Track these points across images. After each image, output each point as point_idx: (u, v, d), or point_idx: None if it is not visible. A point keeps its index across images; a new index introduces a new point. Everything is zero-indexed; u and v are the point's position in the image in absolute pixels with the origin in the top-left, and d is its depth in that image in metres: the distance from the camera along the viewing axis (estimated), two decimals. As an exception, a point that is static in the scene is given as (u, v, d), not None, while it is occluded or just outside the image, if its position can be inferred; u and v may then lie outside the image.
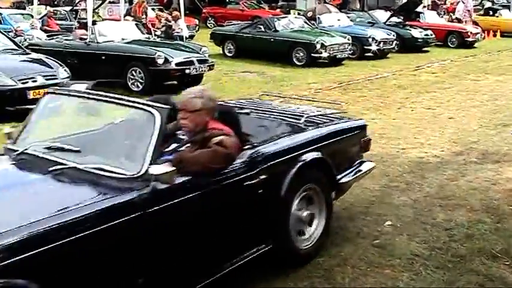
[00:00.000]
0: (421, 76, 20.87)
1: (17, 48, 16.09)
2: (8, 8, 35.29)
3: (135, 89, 16.66)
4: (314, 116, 7.37)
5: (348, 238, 7.27)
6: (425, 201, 8.56)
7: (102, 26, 18.75)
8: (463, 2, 35.72)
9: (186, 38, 25.16)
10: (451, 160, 10.80)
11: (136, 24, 20.16)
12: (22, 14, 29.46)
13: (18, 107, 12.98)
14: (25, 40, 20.64)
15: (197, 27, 31.72)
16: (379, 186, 9.20)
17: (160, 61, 16.37)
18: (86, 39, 18.02)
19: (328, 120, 7.42)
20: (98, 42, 17.52)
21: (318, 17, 26.91)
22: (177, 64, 16.68)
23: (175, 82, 17.49)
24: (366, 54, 24.85)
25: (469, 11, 34.85)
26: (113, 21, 22.49)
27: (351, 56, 23.88)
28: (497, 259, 6.76)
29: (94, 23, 19.73)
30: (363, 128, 7.75)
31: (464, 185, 9.38)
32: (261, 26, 23.80)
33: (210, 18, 36.58)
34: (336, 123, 7.42)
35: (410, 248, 7.01)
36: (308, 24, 24.94)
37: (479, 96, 17.13)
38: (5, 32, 22.06)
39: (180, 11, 25.48)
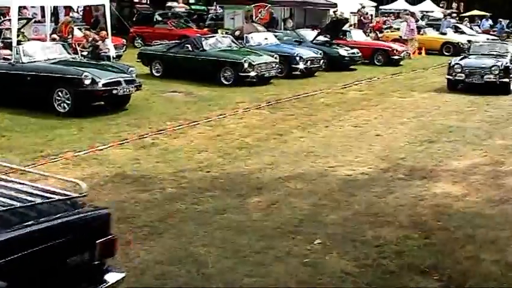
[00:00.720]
0: (348, 94, 21.07)
1: None
2: None
3: (62, 110, 16.30)
4: (18, 207, 4.79)
5: (278, 257, 7.26)
6: (354, 219, 8.62)
7: (28, 46, 18.34)
8: (406, 21, 36.29)
9: (114, 58, 24.87)
10: (379, 177, 10.92)
11: (62, 45, 19.82)
12: None
13: None
14: None
15: (125, 47, 31.40)
16: (308, 205, 9.22)
17: (87, 82, 16.07)
18: (10, 59, 17.65)
19: (42, 214, 4.83)
20: (22, 63, 17.13)
21: (246, 36, 26.97)
22: (104, 85, 16.40)
23: (102, 103, 17.29)
24: (294, 73, 24.91)
25: (412, 29, 35.23)
26: (38, 41, 22.04)
27: (278, 74, 23.93)
28: (426, 274, 6.85)
29: (19, 42, 19.38)
30: (102, 223, 5.27)
31: (392, 201, 9.50)
32: (189, 46, 23.61)
33: (137, 38, 36.17)
34: (50, 220, 4.81)
35: (340, 265, 7.04)
36: (235, 44, 24.92)
37: (406, 113, 17.37)
38: None
39: (107, 31, 25.26)
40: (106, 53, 24.04)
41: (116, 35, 31.58)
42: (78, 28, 30.68)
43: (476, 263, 7.19)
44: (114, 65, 19.03)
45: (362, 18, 46.18)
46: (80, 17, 42.23)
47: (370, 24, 46.39)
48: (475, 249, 7.57)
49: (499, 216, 8.90)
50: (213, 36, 25.92)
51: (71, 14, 39.66)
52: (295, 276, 6.77)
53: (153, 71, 24.36)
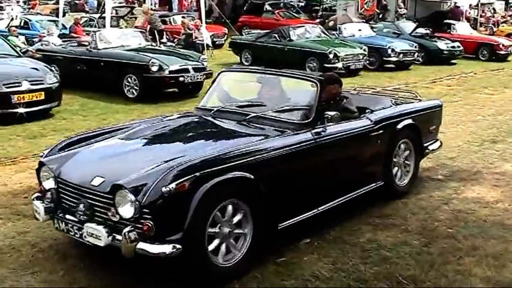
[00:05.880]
0: (434, 88, 20.20)
1: (12, 52, 16.09)
2: (48, 14, 35.79)
3: (131, 95, 16.60)
4: None
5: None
6: (355, 221, 8.10)
7: (104, 33, 18.66)
8: None
9: (209, 46, 25.03)
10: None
11: (141, 32, 20.01)
12: (54, 21, 29.68)
13: (4, 111, 13.64)
14: (41, 45, 20.79)
15: (225, 35, 31.57)
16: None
17: (154, 68, 16.22)
18: (87, 45, 18.02)
19: None
20: (98, 49, 17.46)
21: (339, 27, 26.56)
22: (171, 72, 16.51)
23: (176, 90, 17.41)
24: (387, 66, 24.35)
25: None
26: (115, 29, 22.53)
27: (369, 66, 23.49)
28: (400, 285, 6.35)
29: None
30: None
31: (413, 203, 8.93)
32: (276, 35, 23.52)
33: (245, 27, 36.34)
34: None
35: (313, 268, 6.65)
36: (325, 34, 24.50)
37: (484, 111, 16.46)
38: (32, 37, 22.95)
39: (201, 19, 25.50)
40: (201, 41, 24.24)
41: (232, 24, 32.04)
42: (182, 17, 31.20)
43: (464, 279, 6.50)
44: (186, 53, 18.95)
45: (482, 12, 44.69)
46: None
47: (493, 19, 44.80)
48: (471, 263, 6.85)
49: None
50: (302, 27, 25.57)
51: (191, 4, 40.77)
52: (259, 275, 6.44)
53: (243, 60, 24.40)
